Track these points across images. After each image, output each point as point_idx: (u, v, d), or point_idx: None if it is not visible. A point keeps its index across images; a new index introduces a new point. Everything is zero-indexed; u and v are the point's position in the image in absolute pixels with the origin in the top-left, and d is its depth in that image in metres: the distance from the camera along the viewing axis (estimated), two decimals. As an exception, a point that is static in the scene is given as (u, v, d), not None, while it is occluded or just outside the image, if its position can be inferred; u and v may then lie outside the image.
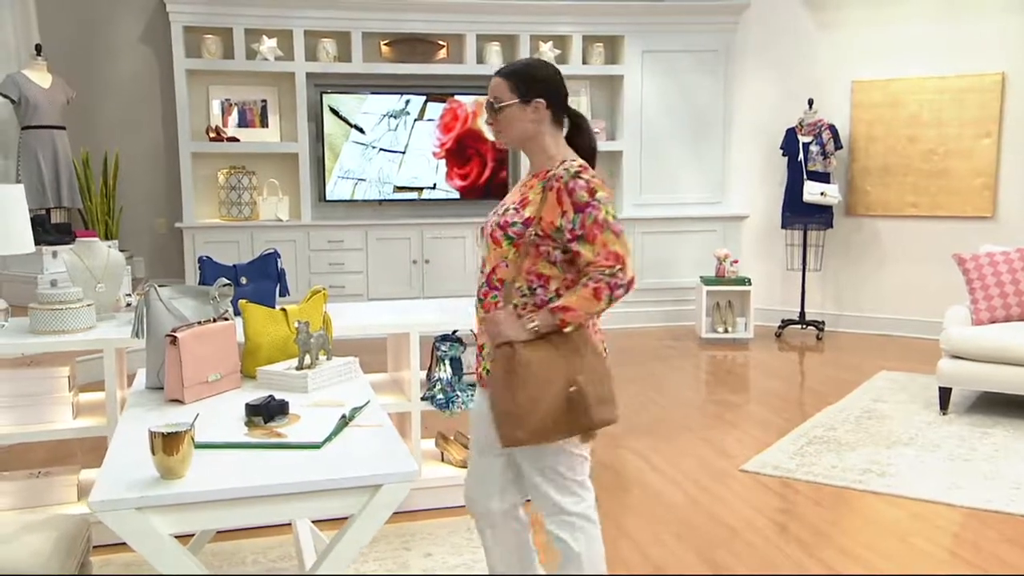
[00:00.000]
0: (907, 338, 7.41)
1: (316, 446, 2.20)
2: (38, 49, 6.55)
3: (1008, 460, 4.51)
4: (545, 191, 2.43)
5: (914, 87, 7.37)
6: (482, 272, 2.57)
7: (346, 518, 2.09)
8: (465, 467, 4.03)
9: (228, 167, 7.43)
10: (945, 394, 5.32)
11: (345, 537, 2.06)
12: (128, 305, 3.89)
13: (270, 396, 2.43)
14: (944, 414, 5.28)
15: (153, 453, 1.98)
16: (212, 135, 7.36)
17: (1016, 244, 5.92)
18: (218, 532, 3.51)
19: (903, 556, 3.49)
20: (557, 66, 2.62)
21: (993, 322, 5.36)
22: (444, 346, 4.03)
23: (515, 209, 2.48)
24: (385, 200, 7.71)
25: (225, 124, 7.46)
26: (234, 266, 3.93)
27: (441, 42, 7.74)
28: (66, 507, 3.50)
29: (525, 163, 7.97)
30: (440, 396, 3.92)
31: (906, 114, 7.42)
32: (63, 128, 6.60)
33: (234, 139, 7.41)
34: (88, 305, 3.56)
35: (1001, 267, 5.43)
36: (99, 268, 3.77)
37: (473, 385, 3.98)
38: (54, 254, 6.19)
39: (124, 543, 1.96)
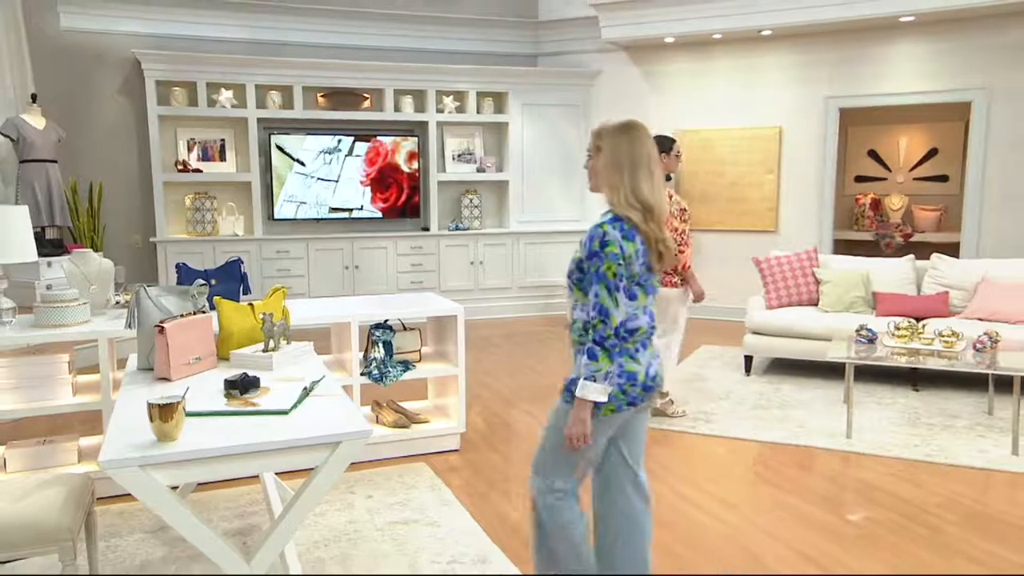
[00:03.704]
0: (722, 320, 7.69)
1: (285, 412, 2.13)
2: (34, 97, 6.11)
3: (794, 407, 4.74)
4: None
5: (720, 136, 7.66)
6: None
7: (309, 470, 2.03)
8: (395, 427, 3.98)
9: (193, 193, 7.09)
10: (748, 361, 5.55)
11: (312, 483, 2.00)
12: (117, 303, 3.67)
13: (244, 373, 2.34)
14: (748, 376, 5.50)
15: (151, 420, 1.88)
16: (180, 167, 7.01)
17: (794, 250, 6.24)
18: (197, 485, 3.36)
19: (727, 480, 3.62)
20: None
21: (781, 307, 5.63)
22: (378, 332, 3.96)
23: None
24: (322, 219, 7.51)
25: (190, 158, 7.13)
26: (205, 270, 3.77)
27: (365, 94, 7.59)
28: (68, 468, 3.29)
29: (433, 190, 7.85)
30: (375, 372, 3.85)
31: (715, 155, 7.71)
32: (55, 161, 6.16)
33: (198, 170, 7.07)
34: (83, 303, 3.35)
35: (785, 267, 5.71)
36: (92, 274, 3.55)
37: (403, 362, 3.95)
38: (49, 263, 5.79)
39: (120, 495, 1.86)
